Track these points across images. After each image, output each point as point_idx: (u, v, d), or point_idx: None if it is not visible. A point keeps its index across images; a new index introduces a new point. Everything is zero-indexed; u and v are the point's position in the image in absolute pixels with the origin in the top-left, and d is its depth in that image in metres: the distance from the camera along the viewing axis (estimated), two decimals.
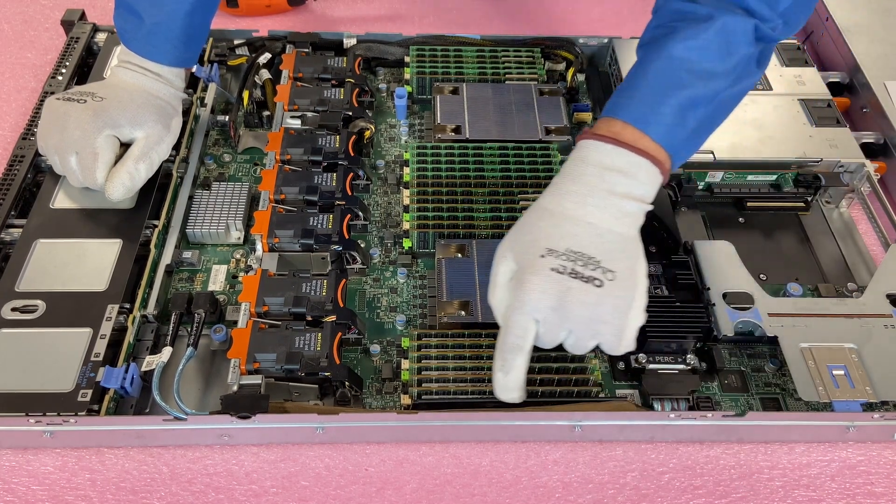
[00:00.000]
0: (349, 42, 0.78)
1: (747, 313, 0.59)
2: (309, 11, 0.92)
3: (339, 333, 0.55)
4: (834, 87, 0.81)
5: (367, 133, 0.71)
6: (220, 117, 0.74)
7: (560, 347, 0.48)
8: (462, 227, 0.62)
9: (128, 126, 0.61)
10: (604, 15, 0.94)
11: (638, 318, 0.47)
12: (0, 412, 0.51)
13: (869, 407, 0.54)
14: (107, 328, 0.55)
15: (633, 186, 0.48)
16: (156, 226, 0.62)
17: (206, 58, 0.76)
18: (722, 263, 0.62)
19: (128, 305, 0.57)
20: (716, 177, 0.70)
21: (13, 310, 0.56)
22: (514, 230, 0.50)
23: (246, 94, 0.72)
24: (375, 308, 0.62)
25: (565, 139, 0.70)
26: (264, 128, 0.75)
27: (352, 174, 0.65)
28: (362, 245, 0.65)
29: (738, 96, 0.52)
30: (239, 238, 0.65)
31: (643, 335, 0.57)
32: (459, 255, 0.61)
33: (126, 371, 0.53)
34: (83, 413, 0.51)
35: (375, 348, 0.59)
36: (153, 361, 0.54)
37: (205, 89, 0.74)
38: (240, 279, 0.61)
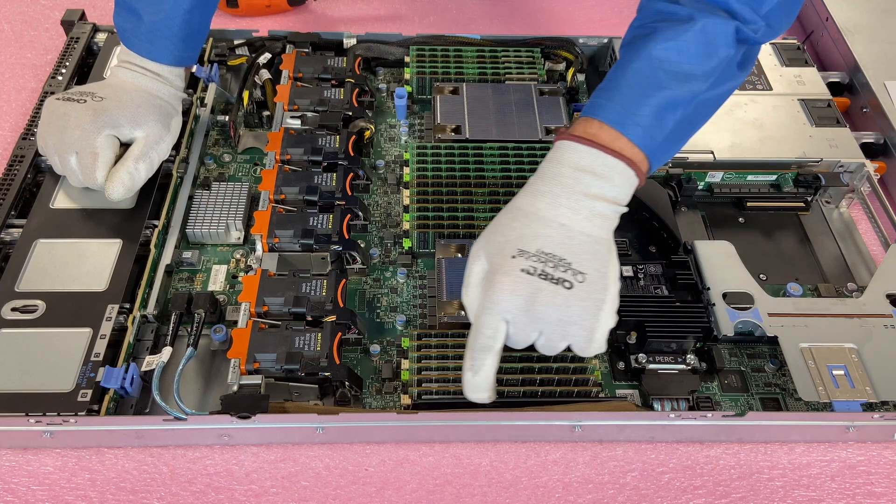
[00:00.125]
0: (349, 42, 0.78)
1: (747, 313, 0.59)
2: (309, 11, 0.92)
3: (339, 333, 0.55)
4: (834, 87, 0.81)
5: (367, 133, 0.71)
6: (220, 117, 0.74)
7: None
8: (462, 227, 0.62)
9: (128, 126, 0.61)
10: (604, 15, 0.95)
11: (608, 320, 0.47)
12: (0, 412, 0.51)
13: (869, 407, 0.54)
14: (107, 328, 0.55)
15: (607, 189, 0.48)
16: (156, 226, 0.62)
17: (206, 58, 0.76)
18: (722, 263, 0.62)
19: (128, 305, 0.57)
20: (716, 177, 0.70)
21: (13, 310, 0.56)
22: (488, 230, 0.50)
23: (246, 94, 0.72)
24: (375, 308, 0.62)
25: None
26: (264, 128, 0.75)
27: (352, 174, 0.65)
28: (362, 245, 0.65)
29: (719, 99, 0.51)
30: (239, 238, 0.65)
31: (643, 335, 0.57)
32: (459, 255, 0.61)
33: (126, 371, 0.53)
34: (83, 413, 0.51)
35: (375, 348, 0.59)
36: (153, 361, 0.54)
37: (205, 89, 0.74)
38: (240, 279, 0.61)
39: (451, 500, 0.53)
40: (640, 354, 0.57)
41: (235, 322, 0.56)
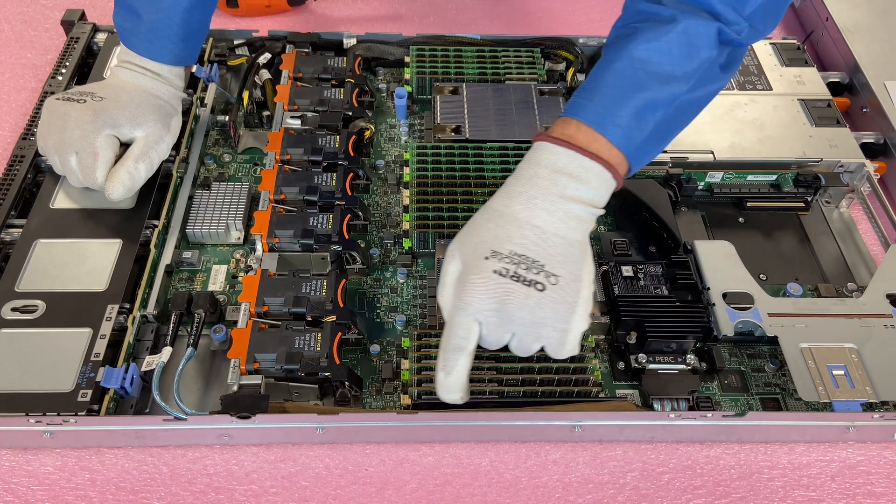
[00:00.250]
0: (349, 42, 0.78)
1: (747, 313, 0.59)
2: (309, 11, 0.92)
3: (339, 333, 0.55)
4: (834, 87, 0.81)
5: (367, 133, 0.71)
6: (220, 117, 0.74)
7: None
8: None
9: (127, 126, 0.61)
10: (604, 15, 0.95)
11: (581, 322, 0.47)
12: (0, 412, 0.51)
13: (869, 407, 0.54)
14: (107, 328, 0.55)
15: (584, 191, 0.47)
16: (156, 226, 0.62)
17: (206, 58, 0.76)
18: (722, 263, 0.62)
19: (128, 305, 0.57)
20: (716, 177, 0.70)
21: (13, 310, 0.56)
22: (463, 230, 0.50)
23: (246, 94, 0.72)
24: (375, 308, 0.62)
25: None
26: (264, 128, 0.75)
27: (352, 174, 0.65)
28: (362, 245, 0.65)
29: (702, 101, 0.51)
30: (239, 238, 0.65)
31: (643, 335, 0.57)
32: None
33: (126, 371, 0.53)
34: (83, 413, 0.51)
35: (375, 348, 0.59)
36: (153, 361, 0.54)
37: (205, 89, 0.74)
38: (240, 279, 0.61)
39: (451, 500, 0.53)
40: (640, 354, 0.57)
41: (235, 322, 0.56)
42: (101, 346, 0.54)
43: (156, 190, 0.64)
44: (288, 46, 0.77)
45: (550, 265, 0.46)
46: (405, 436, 0.55)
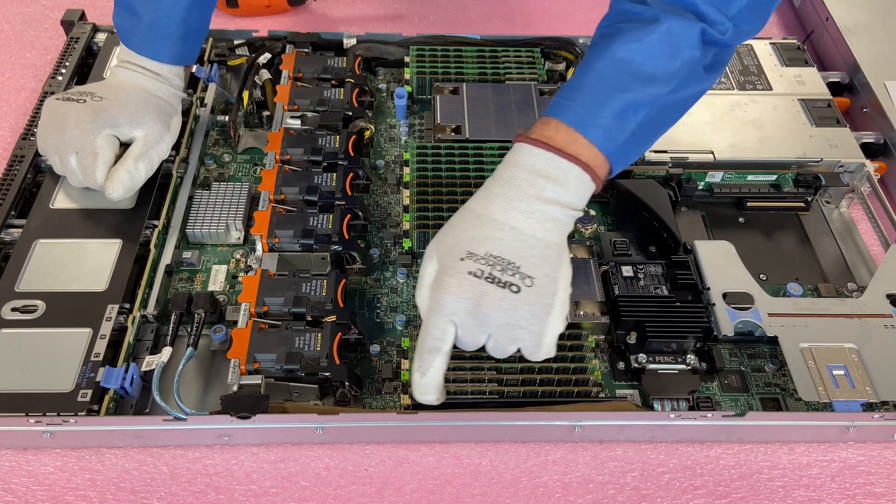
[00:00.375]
0: (349, 42, 0.78)
1: (747, 313, 0.59)
2: (309, 11, 0.92)
3: (339, 333, 0.55)
4: (834, 87, 0.81)
5: (367, 133, 0.71)
6: (220, 117, 0.74)
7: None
8: None
9: (127, 125, 0.61)
10: (603, 15, 0.94)
11: (557, 325, 0.47)
12: (0, 412, 0.51)
13: (869, 407, 0.54)
14: (107, 328, 0.55)
15: (562, 193, 0.47)
16: (156, 226, 0.62)
17: (205, 58, 0.76)
18: (722, 263, 0.62)
19: (128, 305, 0.57)
20: (716, 177, 0.70)
21: (13, 310, 0.56)
22: (441, 231, 0.49)
23: (246, 94, 0.72)
24: (375, 308, 0.62)
25: None
26: (264, 128, 0.75)
27: (352, 174, 0.65)
28: (362, 245, 0.65)
29: (685, 102, 0.51)
30: (239, 238, 0.65)
31: (643, 335, 0.57)
32: None
33: (126, 371, 0.53)
34: (83, 413, 0.51)
35: (375, 348, 0.59)
36: (153, 361, 0.54)
37: (205, 89, 0.74)
38: (240, 279, 0.61)
39: (451, 500, 0.53)
40: (640, 354, 0.57)
41: (235, 322, 0.56)
42: (101, 346, 0.54)
43: (156, 190, 0.64)
44: (288, 46, 0.77)
45: (526, 267, 0.46)
46: (405, 436, 0.55)
